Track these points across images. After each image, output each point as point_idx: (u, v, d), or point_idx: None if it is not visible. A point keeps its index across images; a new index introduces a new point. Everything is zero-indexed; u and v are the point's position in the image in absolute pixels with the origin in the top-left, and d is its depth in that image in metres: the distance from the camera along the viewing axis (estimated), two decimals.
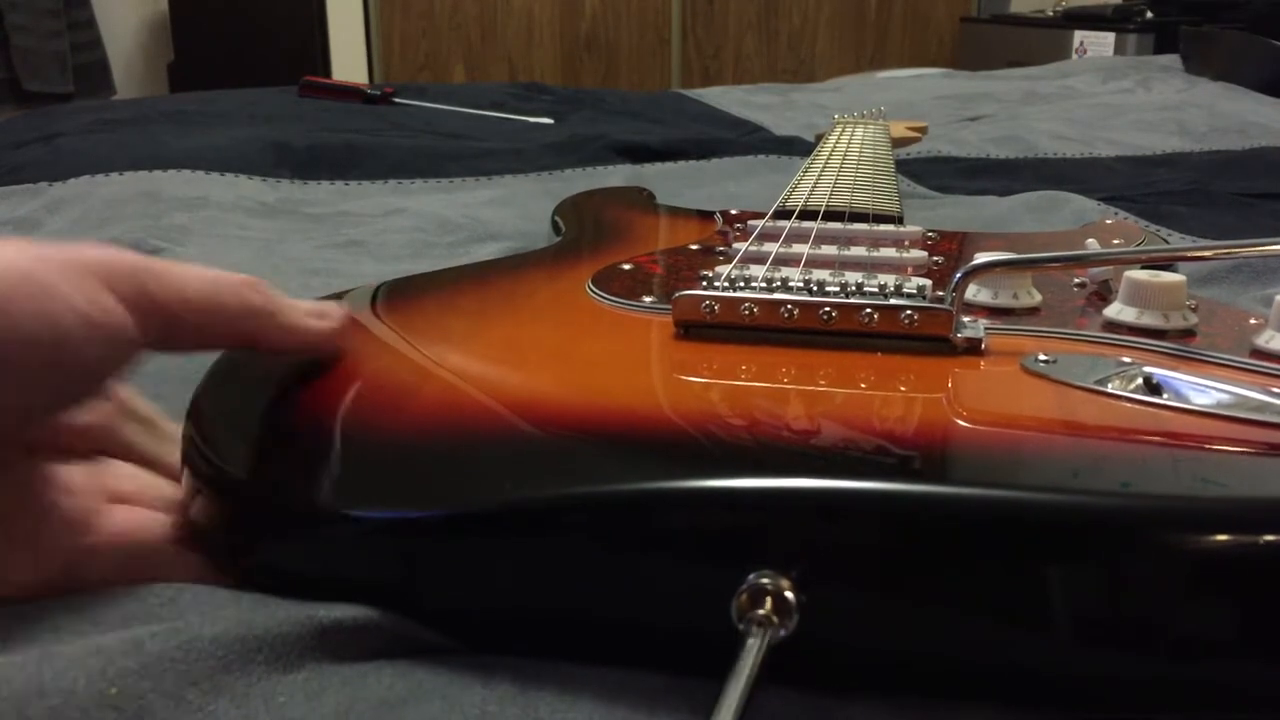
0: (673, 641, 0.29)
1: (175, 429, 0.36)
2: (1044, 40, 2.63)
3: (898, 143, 0.97)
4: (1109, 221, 0.73)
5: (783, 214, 0.60)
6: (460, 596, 0.30)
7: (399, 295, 0.49)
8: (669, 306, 0.43)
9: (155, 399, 0.47)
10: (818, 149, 0.86)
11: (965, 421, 0.34)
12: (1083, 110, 1.32)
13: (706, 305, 0.42)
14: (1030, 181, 0.95)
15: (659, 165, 1.01)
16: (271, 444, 0.35)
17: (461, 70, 2.74)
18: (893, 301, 0.41)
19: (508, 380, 0.38)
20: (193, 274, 0.32)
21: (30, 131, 1.08)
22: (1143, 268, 0.46)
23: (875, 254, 0.53)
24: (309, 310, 0.37)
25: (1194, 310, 0.44)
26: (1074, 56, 2.43)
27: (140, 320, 0.30)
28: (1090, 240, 0.58)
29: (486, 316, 0.46)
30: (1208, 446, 0.32)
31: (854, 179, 0.70)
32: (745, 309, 0.41)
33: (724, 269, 0.47)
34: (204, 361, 0.50)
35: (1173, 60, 1.67)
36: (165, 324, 0.31)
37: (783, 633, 0.26)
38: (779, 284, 0.44)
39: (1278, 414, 0.33)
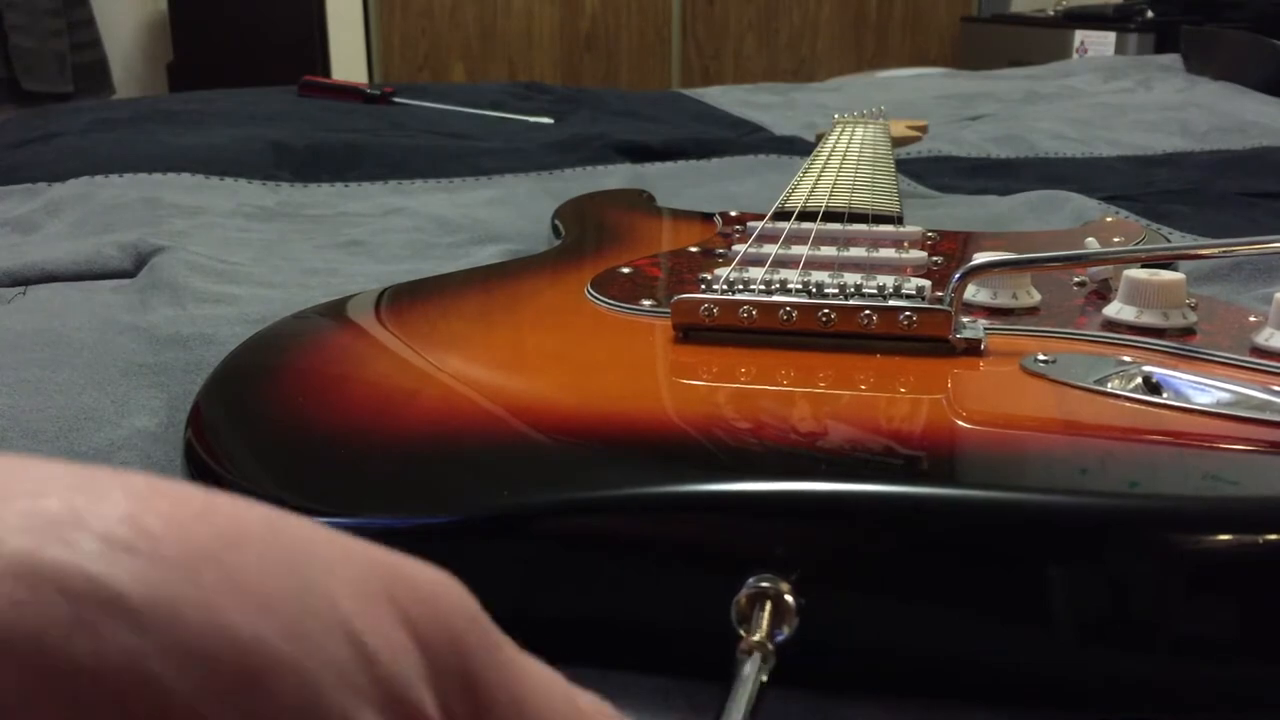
0: (672, 643, 0.29)
1: None
2: (1045, 40, 2.62)
3: (898, 142, 0.97)
4: (1109, 220, 0.72)
5: (782, 215, 0.60)
6: None
7: (401, 300, 0.49)
8: (668, 310, 0.43)
9: (155, 391, 0.47)
10: (818, 149, 0.85)
11: (965, 423, 0.34)
12: (1084, 110, 1.31)
13: (705, 308, 0.42)
14: (1031, 181, 0.94)
15: (659, 165, 1.01)
16: (271, 449, 0.35)
17: (461, 70, 2.74)
18: (891, 303, 0.41)
19: (507, 386, 0.38)
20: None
21: (29, 131, 1.07)
22: (1142, 266, 0.46)
23: (875, 255, 0.53)
24: None
25: (1194, 309, 0.44)
26: (1075, 56, 2.43)
27: None
28: (1090, 239, 0.58)
29: (487, 322, 0.46)
30: (1208, 445, 0.32)
31: (854, 179, 0.70)
32: (744, 312, 0.41)
33: (723, 271, 0.47)
34: (205, 358, 0.50)
35: (1174, 60, 1.67)
36: None
37: (781, 637, 0.26)
38: (778, 286, 0.44)
39: (1278, 412, 0.33)
